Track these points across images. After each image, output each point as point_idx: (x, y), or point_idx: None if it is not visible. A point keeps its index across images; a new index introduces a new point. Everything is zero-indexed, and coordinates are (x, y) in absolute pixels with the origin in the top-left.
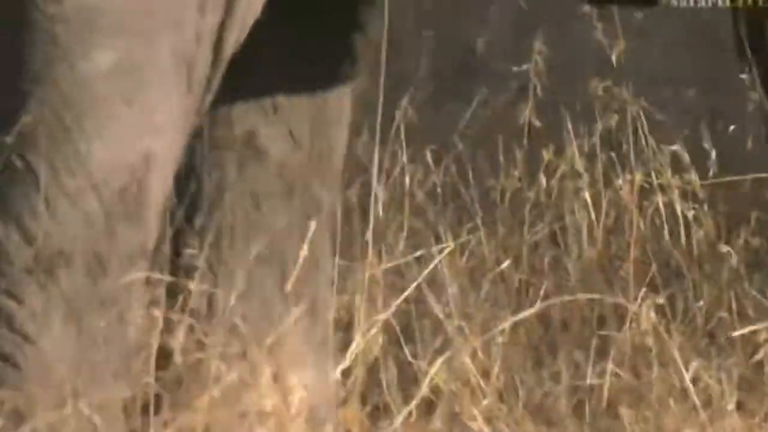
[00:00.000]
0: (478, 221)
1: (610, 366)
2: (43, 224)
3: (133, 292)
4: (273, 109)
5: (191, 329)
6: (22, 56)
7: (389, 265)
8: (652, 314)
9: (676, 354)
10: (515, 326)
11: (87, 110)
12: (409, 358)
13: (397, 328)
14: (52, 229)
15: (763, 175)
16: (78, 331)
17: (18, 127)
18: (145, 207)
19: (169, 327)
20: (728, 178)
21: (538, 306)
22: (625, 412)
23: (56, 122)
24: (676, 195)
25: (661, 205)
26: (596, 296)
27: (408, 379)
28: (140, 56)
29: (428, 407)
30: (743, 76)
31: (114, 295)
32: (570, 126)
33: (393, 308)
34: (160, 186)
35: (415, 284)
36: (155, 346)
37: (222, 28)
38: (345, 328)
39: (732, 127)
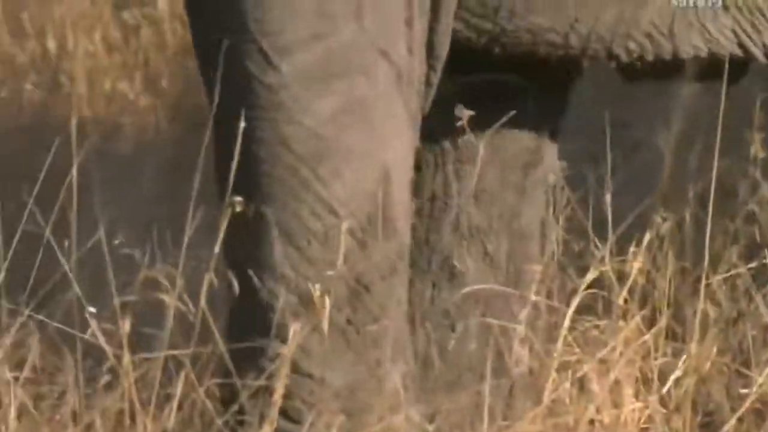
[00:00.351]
0: None
1: None
2: (300, 270)
3: (398, 296)
4: (469, 232)
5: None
6: (248, 123)
7: (722, 276)
8: None
9: None
10: None
11: (321, 158)
12: (739, 368)
13: (729, 337)
14: (310, 273)
15: None
16: (357, 355)
17: (257, 186)
18: (395, 219)
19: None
20: None
21: None
22: None
23: (293, 177)
24: None
25: None
26: None
27: (737, 389)
28: (362, 90)
29: (758, 417)
30: None
31: (381, 307)
32: None
33: (724, 318)
34: (404, 192)
35: (747, 293)
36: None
37: (431, 31)
38: (678, 338)
39: None
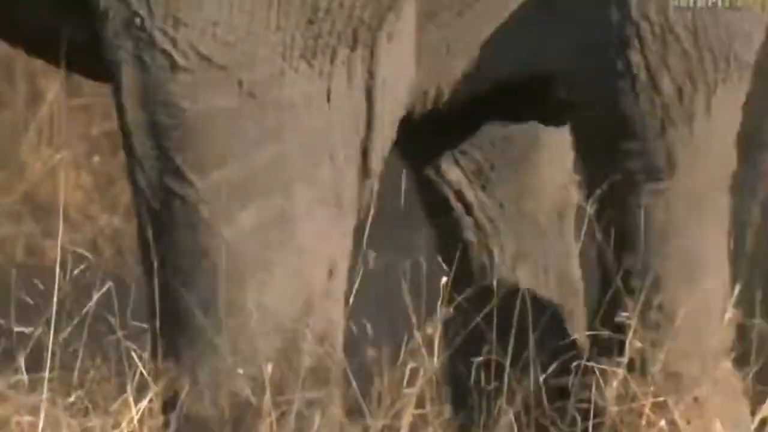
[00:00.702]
0: None
1: None
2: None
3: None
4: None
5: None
6: (173, 235)
7: None
8: None
9: None
10: None
11: (244, 273)
12: None
13: None
14: (251, 373)
15: None
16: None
17: (183, 295)
18: (325, 329)
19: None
20: None
21: None
22: None
23: (216, 291)
24: None
25: None
26: None
27: None
28: (281, 210)
29: None
30: None
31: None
32: None
33: None
34: (337, 302)
35: None
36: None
37: (365, 152)
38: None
39: None
